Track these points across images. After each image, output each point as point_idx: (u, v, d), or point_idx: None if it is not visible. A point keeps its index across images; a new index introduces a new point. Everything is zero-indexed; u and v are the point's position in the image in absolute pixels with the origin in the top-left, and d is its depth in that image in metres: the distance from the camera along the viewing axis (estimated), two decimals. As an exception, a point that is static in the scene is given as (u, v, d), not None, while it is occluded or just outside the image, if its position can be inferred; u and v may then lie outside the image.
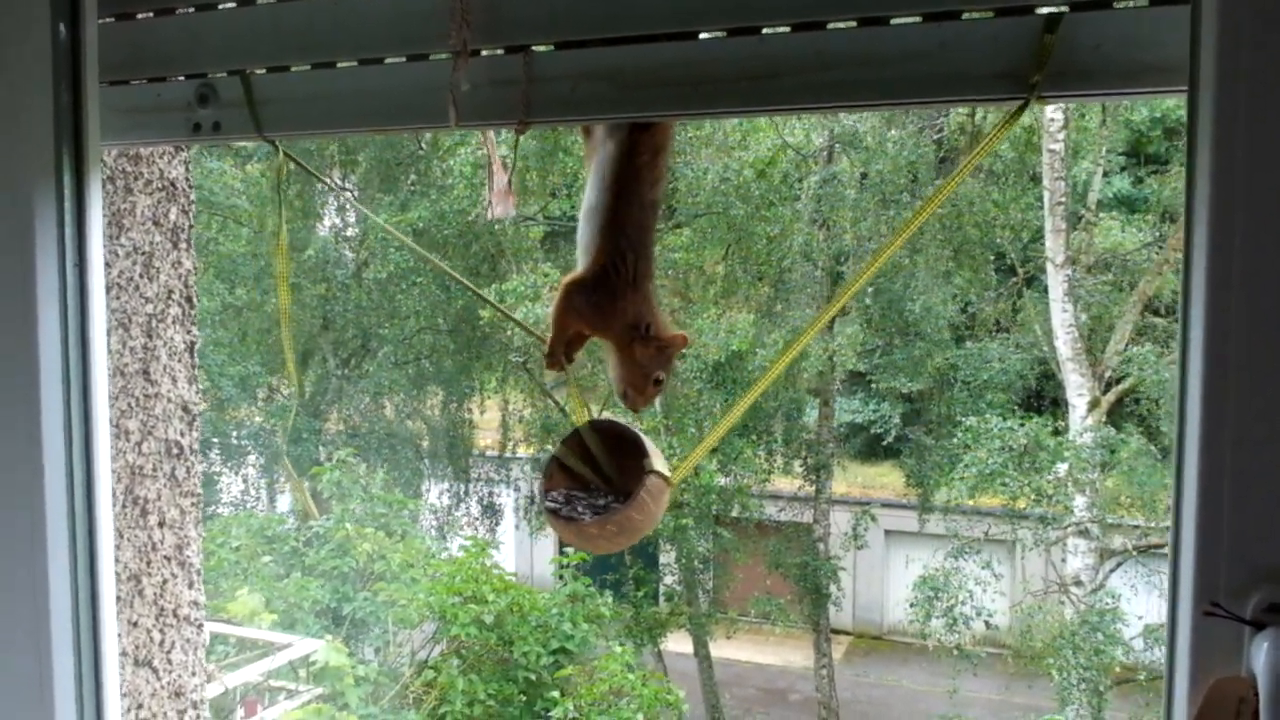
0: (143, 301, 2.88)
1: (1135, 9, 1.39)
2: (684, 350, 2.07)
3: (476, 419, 21.58)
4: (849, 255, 16.41)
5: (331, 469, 13.44)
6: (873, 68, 1.47)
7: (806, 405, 17.77)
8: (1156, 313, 16.67)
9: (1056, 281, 14.32)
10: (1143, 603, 15.02)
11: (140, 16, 1.89)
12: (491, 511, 21.25)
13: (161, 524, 2.94)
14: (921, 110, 13.40)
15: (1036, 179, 15.11)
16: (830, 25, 1.50)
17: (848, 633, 23.04)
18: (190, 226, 3.04)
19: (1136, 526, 14.66)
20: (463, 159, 16.09)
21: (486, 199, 2.04)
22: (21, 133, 1.55)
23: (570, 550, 13.44)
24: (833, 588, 17.54)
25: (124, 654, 2.88)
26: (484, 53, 1.67)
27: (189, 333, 3.01)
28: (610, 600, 12.81)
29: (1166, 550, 14.33)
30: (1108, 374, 15.29)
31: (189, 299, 3.02)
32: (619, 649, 11.60)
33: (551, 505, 2.01)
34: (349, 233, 20.19)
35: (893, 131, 15.17)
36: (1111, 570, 14.66)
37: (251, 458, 20.69)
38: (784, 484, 18.36)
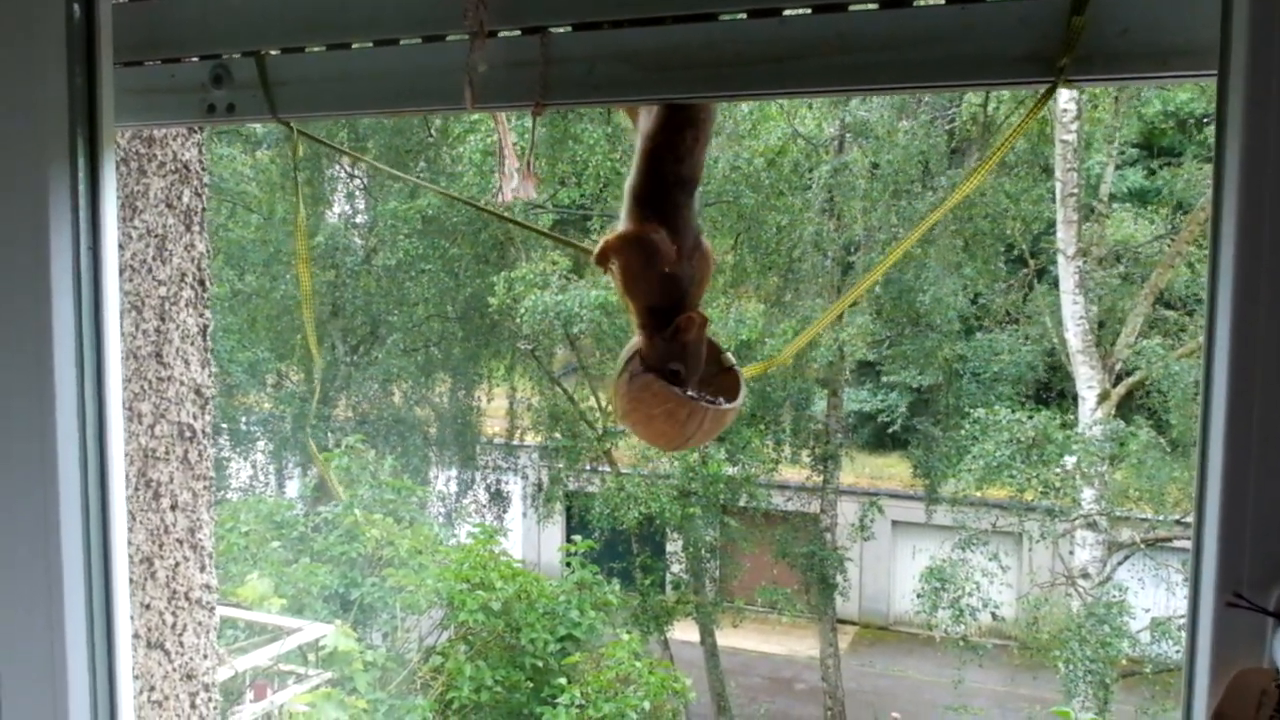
0: (156, 284, 2.88)
1: (1165, -9, 1.38)
2: (697, 329, 1.95)
3: (484, 406, 21.62)
4: (859, 245, 16.39)
5: (340, 455, 13.48)
6: (896, 50, 1.45)
7: (815, 395, 17.77)
8: (1168, 305, 16.63)
9: (1067, 273, 14.29)
10: (1150, 596, 15.02)
11: (154, -4, 1.89)
12: (499, 499, 21.30)
13: (174, 507, 2.95)
14: (944, 93, 13.38)
15: (1048, 170, 15.08)
16: (852, 7, 1.48)
17: (854, 623, 23.08)
18: (203, 209, 3.04)
19: (1145, 520, 14.64)
20: (472, 146, 16.08)
21: (497, 183, 2.02)
22: (36, 114, 1.54)
23: (578, 538, 13.47)
24: (839, 578, 17.55)
25: (136, 636, 2.89)
26: (501, 34, 1.66)
27: (202, 316, 3.01)
28: (617, 588, 12.83)
29: (1175, 544, 14.33)
30: (1118, 367, 15.26)
31: (202, 282, 3.02)
32: (626, 637, 11.62)
33: (651, 377, 1.88)
34: (358, 219, 20.21)
35: (904, 121, 15.13)
36: (1119, 563, 14.65)
37: (261, 443, 20.75)
38: (791, 474, 18.37)
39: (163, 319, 2.91)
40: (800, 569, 17.58)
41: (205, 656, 3.08)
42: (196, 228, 3.00)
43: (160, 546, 2.93)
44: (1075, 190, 14.10)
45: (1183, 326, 15.98)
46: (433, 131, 18.03)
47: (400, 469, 16.67)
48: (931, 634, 16.59)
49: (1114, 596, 13.62)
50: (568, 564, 12.77)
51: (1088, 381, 14.44)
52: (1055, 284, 15.42)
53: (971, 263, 16.25)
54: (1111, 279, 16.15)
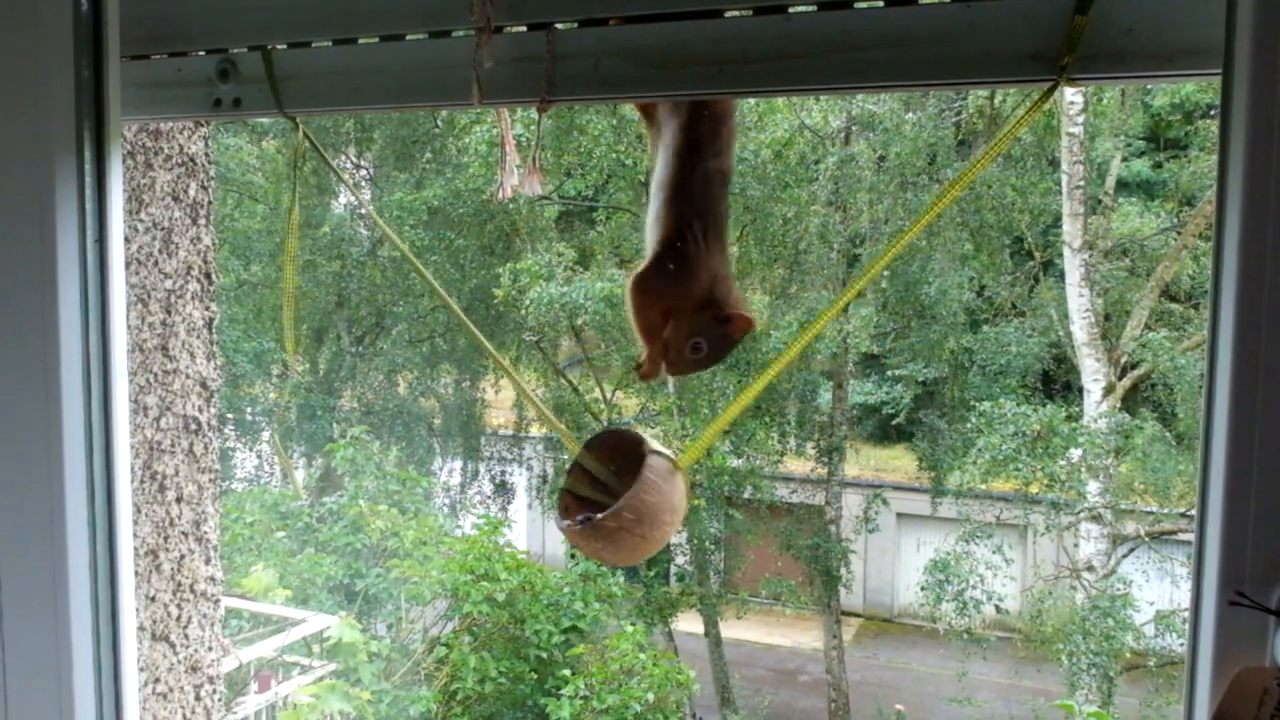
0: (162, 277, 2.88)
1: (1170, -9, 1.38)
2: (746, 336, 1.98)
3: (490, 398, 21.63)
4: (865, 238, 16.37)
5: (345, 446, 13.48)
6: (901, 48, 1.46)
7: (820, 387, 17.77)
8: (1173, 298, 16.63)
9: (1073, 266, 14.27)
10: (1155, 589, 15.03)
11: (161, -10, 1.89)
12: (504, 490, 21.31)
13: (179, 499, 2.95)
14: (949, 92, 13.36)
15: (1055, 163, 15.04)
16: (858, 4, 1.48)
17: (858, 615, 23.09)
18: (210, 203, 3.04)
19: (1150, 513, 14.64)
20: (478, 137, 16.06)
21: (499, 179, 2.02)
22: (42, 108, 1.55)
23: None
24: (843, 570, 17.56)
25: (141, 628, 2.89)
26: (507, 30, 1.66)
27: (207, 309, 3.01)
28: (621, 580, 12.83)
29: (1180, 537, 14.32)
30: (1123, 359, 15.25)
31: (208, 275, 3.02)
32: (630, 628, 11.62)
33: (567, 523, 1.95)
34: (364, 210, 20.22)
35: (910, 114, 15.10)
36: (1124, 556, 14.65)
37: (266, 434, 20.77)
38: (796, 466, 18.37)
39: (169, 312, 2.91)
40: (804, 561, 17.58)
41: (210, 648, 3.09)
42: (203, 221, 3.01)
43: (165, 539, 2.94)
44: (1081, 183, 14.08)
45: (1188, 319, 15.98)
46: (439, 122, 18.02)
47: (405, 460, 16.70)
48: (936, 626, 16.60)
49: (1118, 589, 13.62)
50: (572, 555, 12.78)
51: (1093, 374, 14.43)
52: (1061, 277, 15.40)
53: (977, 255, 16.24)
54: (1117, 272, 16.14)
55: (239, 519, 12.61)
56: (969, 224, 15.77)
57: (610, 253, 17.58)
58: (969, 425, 15.15)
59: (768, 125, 15.72)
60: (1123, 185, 18.89)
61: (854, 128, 15.99)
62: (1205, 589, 1.21)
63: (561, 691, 10.62)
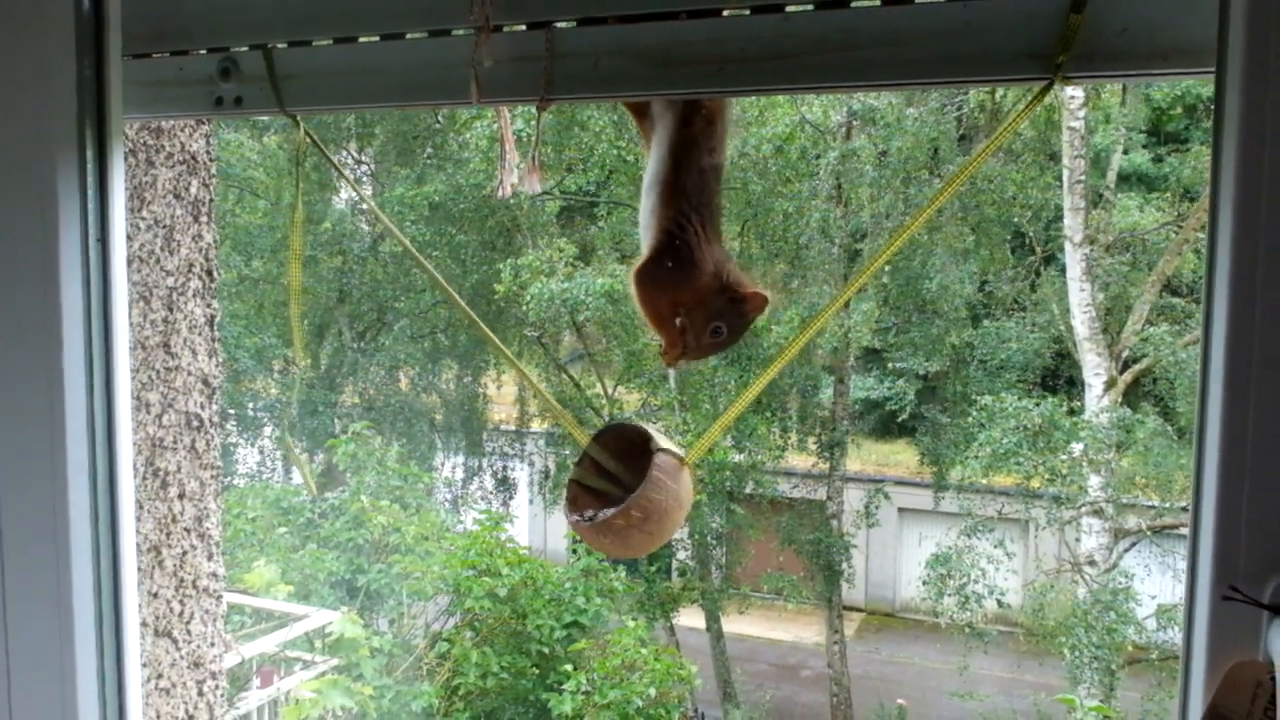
0: (163, 275, 2.89)
1: (1164, -10, 1.39)
2: (762, 313, 2.01)
3: (491, 393, 21.64)
4: (867, 232, 16.37)
5: (347, 441, 13.49)
6: (898, 47, 1.46)
7: (821, 382, 17.76)
8: (1175, 292, 16.61)
9: (1074, 260, 14.27)
10: (1156, 583, 15.04)
11: (162, -11, 1.89)
12: (506, 485, 21.33)
13: (181, 496, 2.96)
14: (945, 90, 13.34)
15: (1056, 157, 15.03)
16: (855, 3, 1.49)
17: (860, 609, 23.11)
18: (211, 200, 3.05)
19: (1151, 507, 14.63)
20: (479, 132, 16.07)
21: (499, 177, 2.03)
22: (44, 106, 1.55)
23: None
24: (845, 564, 17.57)
25: (144, 624, 2.90)
26: (506, 29, 1.67)
27: (209, 306, 3.02)
28: (623, 575, 12.84)
29: (1181, 531, 14.33)
30: (1125, 354, 15.25)
31: (209, 272, 3.03)
32: (632, 623, 11.63)
33: (577, 519, 1.97)
34: (365, 206, 20.23)
35: (911, 109, 15.09)
36: (1125, 550, 14.65)
37: (268, 429, 20.78)
38: (798, 461, 18.38)
39: (170, 309, 2.92)
40: (806, 556, 17.60)
41: (212, 644, 3.10)
42: (204, 218, 3.01)
43: (168, 535, 2.95)
44: (1083, 177, 14.07)
45: (1190, 313, 15.96)
46: (440, 118, 18.03)
47: (407, 455, 16.70)
48: (937, 620, 16.60)
49: (1120, 583, 13.62)
50: (574, 550, 12.79)
51: (1094, 369, 14.42)
52: (1062, 271, 15.40)
53: (979, 250, 16.23)
54: (1119, 266, 16.13)
55: (241, 514, 12.63)
56: (970, 219, 15.76)
57: (611, 248, 17.58)
58: (970, 420, 15.15)
59: (769, 120, 15.71)
60: (1124, 179, 18.88)
61: (855, 123, 15.98)
62: (1199, 583, 1.21)
63: (563, 686, 10.64)
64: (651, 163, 1.95)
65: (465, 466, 21.44)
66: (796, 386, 17.25)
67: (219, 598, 3.12)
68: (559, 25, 1.65)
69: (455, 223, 17.87)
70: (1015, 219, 16.38)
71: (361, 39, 1.79)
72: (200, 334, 3.00)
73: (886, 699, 18.55)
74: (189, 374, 2.99)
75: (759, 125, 15.61)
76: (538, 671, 11.36)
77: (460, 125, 17.49)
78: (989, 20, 1.42)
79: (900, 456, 22.73)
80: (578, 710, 10.47)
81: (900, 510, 21.66)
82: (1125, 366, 15.18)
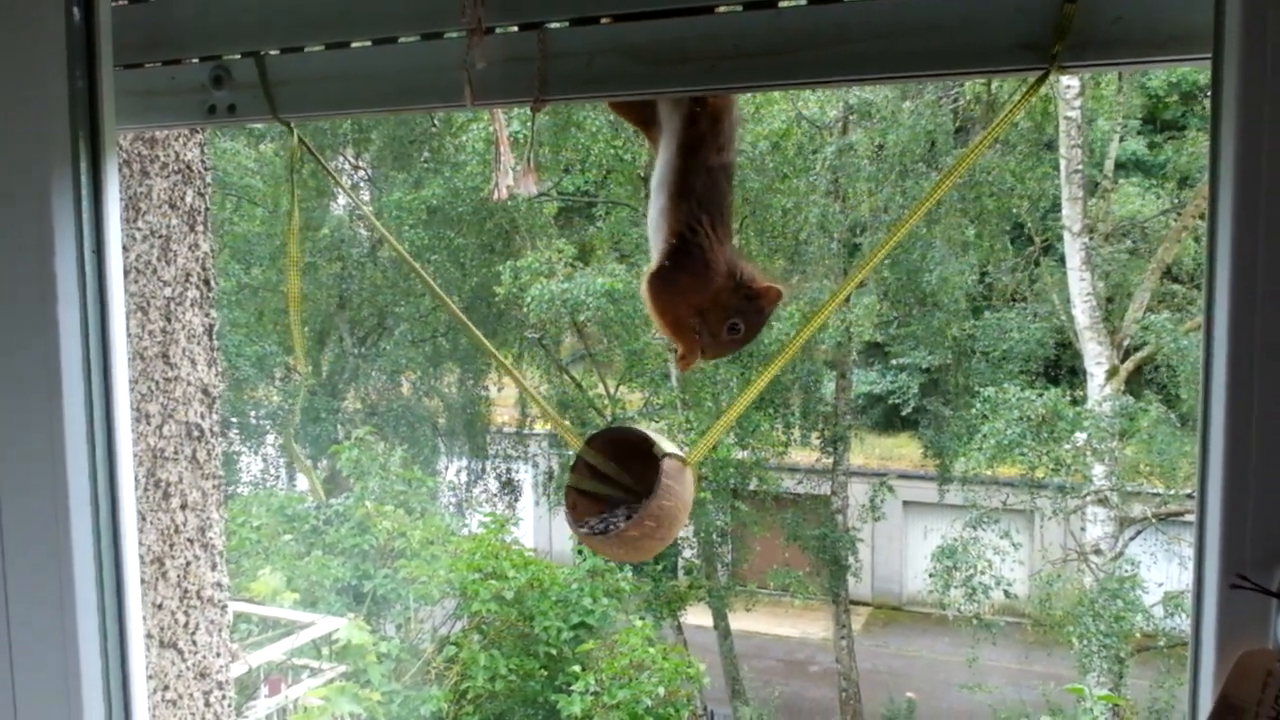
0: (161, 285, 2.88)
1: (1158, -24, 1.38)
2: (777, 306, 2.01)
3: (493, 395, 21.64)
4: (865, 227, 16.37)
5: (350, 447, 13.48)
6: (892, 40, 1.46)
7: (824, 377, 17.76)
8: (1175, 280, 16.60)
9: (1074, 250, 14.26)
10: (1163, 570, 15.02)
11: (153, -2, 1.89)
12: (510, 488, 21.33)
13: (184, 506, 2.96)
14: (941, 83, 13.35)
15: (1052, 147, 15.02)
16: (848, -2, 1.49)
17: (867, 604, 23.10)
18: (207, 209, 3.04)
19: (1156, 494, 14.63)
20: (475, 135, 16.07)
21: (495, 180, 2.02)
22: (37, 118, 1.55)
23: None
24: (851, 559, 17.58)
25: (149, 636, 2.90)
26: (498, 30, 1.66)
27: (207, 315, 3.02)
28: (630, 575, 12.84)
29: (1186, 518, 14.33)
30: (1126, 342, 15.24)
31: (207, 282, 3.02)
32: (639, 623, 11.63)
33: (587, 530, 1.97)
34: (359, 213, 20.23)
35: (907, 103, 15.09)
36: (1131, 538, 14.64)
37: (270, 437, 20.78)
38: (801, 456, 18.37)
39: (168, 319, 2.91)
40: (812, 551, 17.60)
41: (218, 654, 3.10)
42: (200, 227, 3.01)
43: (171, 546, 2.94)
44: (1080, 166, 14.06)
45: (1190, 300, 15.95)
46: (436, 121, 18.01)
47: (410, 460, 16.69)
48: (944, 613, 16.60)
49: (1126, 571, 13.61)
50: (580, 552, 12.79)
51: (1096, 358, 14.42)
52: (1062, 261, 15.39)
53: (978, 241, 16.22)
54: (1118, 254, 16.13)
55: (245, 523, 12.63)
56: (969, 210, 15.76)
57: (610, 248, 17.59)
58: (974, 411, 15.15)
59: (765, 117, 15.70)
60: (1121, 167, 18.86)
61: (851, 117, 15.98)
62: (1207, 572, 1.21)
63: (572, 688, 10.63)
64: (659, 165, 1.94)
65: (469, 470, 21.44)
66: (799, 382, 17.24)
67: (224, 608, 3.12)
68: (551, 26, 1.64)
69: (454, 226, 17.87)
70: (1014, 210, 16.37)
71: (354, 44, 1.78)
72: (199, 344, 3.00)
73: (895, 693, 18.55)
74: (188, 384, 2.98)
75: (755, 122, 15.60)
76: (546, 673, 11.36)
77: (456, 129, 17.49)
78: (983, 11, 1.41)
79: (904, 450, 22.72)
80: (587, 711, 10.47)
81: (905, 503, 21.65)
82: (1127, 355, 15.17)
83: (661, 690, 10.67)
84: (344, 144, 19.36)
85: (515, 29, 1.66)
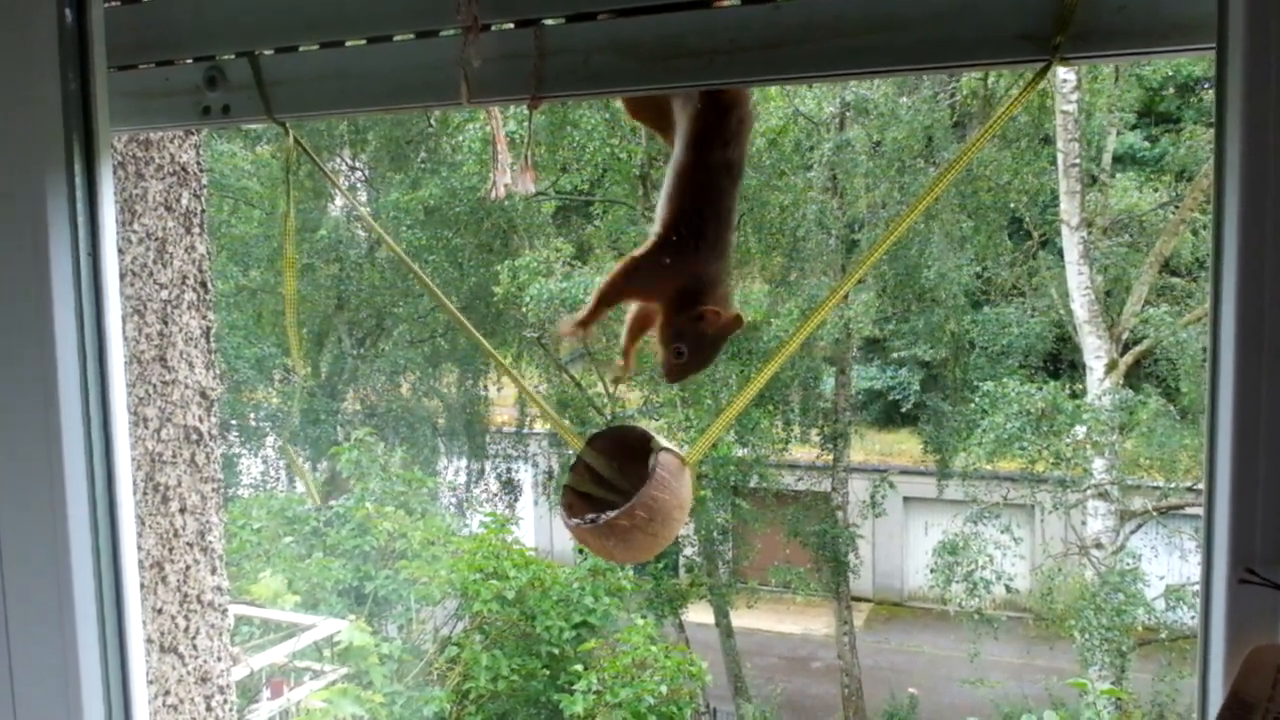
0: (157, 288, 2.87)
1: (1160, -33, 1.37)
2: (734, 333, 1.97)
3: (493, 395, 21.65)
4: (863, 223, 16.37)
5: (350, 448, 13.48)
6: (892, 33, 1.44)
7: (823, 374, 17.75)
8: (1174, 273, 16.60)
9: (1072, 244, 14.26)
10: (1164, 563, 15.03)
11: (146, -1, 1.88)
12: (510, 487, 21.33)
13: (183, 510, 2.95)
14: (941, 75, 13.33)
15: (1050, 141, 15.02)
16: (845, -11, 1.47)
17: (868, 600, 23.13)
18: (203, 211, 3.02)
19: (1156, 488, 14.62)
20: (472, 134, 16.07)
21: (492, 179, 2.01)
22: (31, 120, 1.54)
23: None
24: (852, 555, 17.58)
25: (149, 641, 2.89)
26: (494, 28, 1.65)
27: (204, 318, 3.00)
28: (631, 573, 12.84)
29: (1187, 511, 14.31)
30: (1125, 335, 15.24)
31: (204, 284, 3.01)
32: (641, 621, 11.63)
33: (577, 521, 1.94)
34: (356, 213, 20.23)
35: (904, 98, 15.09)
36: (1132, 532, 14.65)
37: (270, 439, 20.78)
38: (802, 453, 18.37)
39: (165, 322, 2.90)
40: (813, 548, 17.60)
41: (219, 658, 3.09)
42: (196, 229, 2.99)
43: (170, 550, 2.93)
44: (1077, 160, 14.06)
45: (1189, 293, 15.96)
46: (432, 121, 18.01)
47: (410, 461, 16.70)
48: (946, 608, 16.62)
49: (1128, 565, 13.61)
50: (581, 551, 12.79)
51: (1095, 351, 14.42)
52: (1060, 255, 15.39)
53: (976, 237, 16.21)
54: (1117, 248, 16.13)
55: (246, 525, 12.63)
56: (966, 205, 15.75)
57: (608, 246, 17.58)
58: (973, 406, 15.17)
59: (762, 114, 15.68)
60: (1119, 160, 18.87)
61: (849, 113, 15.96)
62: (1215, 567, 1.20)
63: (574, 687, 10.63)
64: (672, 156, 1.92)
65: (469, 470, 21.45)
66: (798, 379, 17.23)
67: (224, 611, 3.11)
68: (548, 22, 1.63)
69: (451, 226, 17.87)
70: (1012, 204, 16.36)
71: (349, 43, 1.77)
72: (196, 346, 2.98)
73: (898, 688, 18.56)
74: (186, 387, 2.97)
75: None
76: (548, 673, 11.37)
77: (453, 129, 17.49)
78: (983, 2, 1.40)
79: (904, 446, 22.73)
80: (589, 710, 10.47)
81: (906, 499, 21.67)
82: (1126, 348, 15.17)
83: (664, 688, 10.67)
84: (341, 145, 19.36)
85: (511, 26, 1.65)
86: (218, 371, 3.09)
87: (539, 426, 20.76)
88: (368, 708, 8.24)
